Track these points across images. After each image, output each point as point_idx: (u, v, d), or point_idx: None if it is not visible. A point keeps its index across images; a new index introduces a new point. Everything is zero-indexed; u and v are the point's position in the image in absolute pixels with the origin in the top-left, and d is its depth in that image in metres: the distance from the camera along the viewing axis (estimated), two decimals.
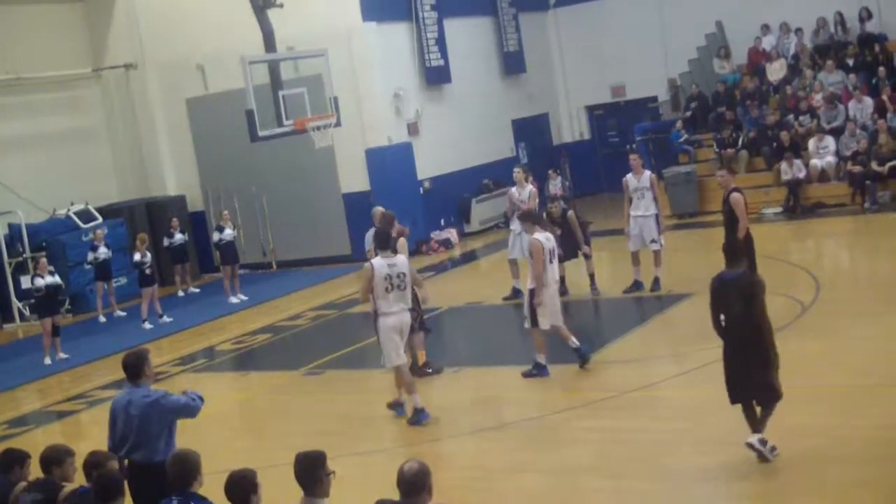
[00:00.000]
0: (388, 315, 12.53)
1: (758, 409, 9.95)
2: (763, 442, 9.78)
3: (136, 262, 21.73)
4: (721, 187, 15.54)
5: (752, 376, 9.81)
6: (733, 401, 9.99)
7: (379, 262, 12.51)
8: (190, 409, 8.70)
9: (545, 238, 13.93)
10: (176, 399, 8.70)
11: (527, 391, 13.71)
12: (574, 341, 13.96)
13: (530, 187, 18.67)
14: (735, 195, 14.85)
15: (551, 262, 13.86)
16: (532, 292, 13.83)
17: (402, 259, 12.87)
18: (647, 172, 17.93)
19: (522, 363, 14.41)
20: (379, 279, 12.40)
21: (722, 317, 9.91)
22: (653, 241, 17.67)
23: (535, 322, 13.88)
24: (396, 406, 13.29)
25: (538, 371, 13.96)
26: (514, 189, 18.60)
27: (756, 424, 9.85)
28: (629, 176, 17.82)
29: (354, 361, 16.36)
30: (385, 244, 12.93)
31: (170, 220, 24.86)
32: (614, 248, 18.65)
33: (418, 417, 12.78)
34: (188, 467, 7.17)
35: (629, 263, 17.99)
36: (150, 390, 8.80)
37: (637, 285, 17.93)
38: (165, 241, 24.37)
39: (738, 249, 14.27)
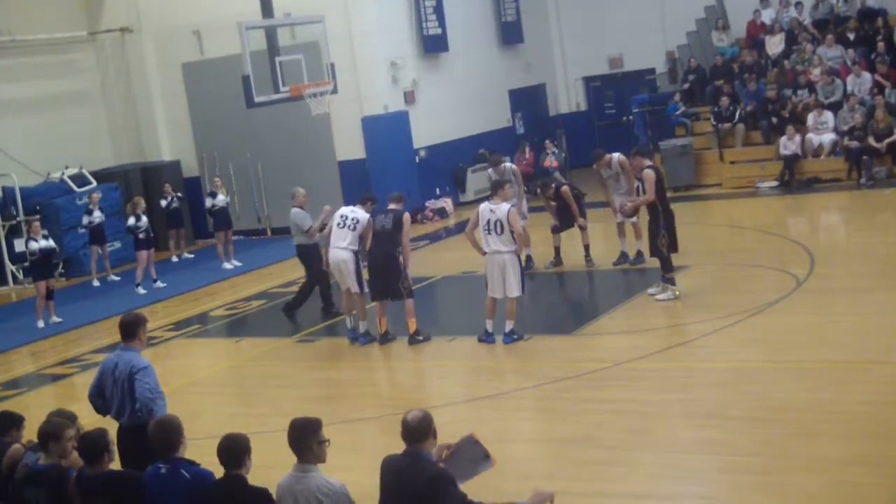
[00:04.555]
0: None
1: None
2: None
3: (129, 226, 21.69)
4: (635, 170, 16.08)
5: None
6: None
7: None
8: (148, 407, 8.52)
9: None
10: (145, 389, 8.57)
11: (521, 361, 13.74)
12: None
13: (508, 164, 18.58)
14: (646, 171, 15.22)
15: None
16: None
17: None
18: (615, 157, 17.88)
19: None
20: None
21: None
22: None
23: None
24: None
25: (518, 335, 14.31)
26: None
27: None
28: (601, 169, 18.07)
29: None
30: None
31: (163, 184, 24.82)
32: (609, 219, 18.63)
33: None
34: (170, 433, 7.16)
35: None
36: (137, 358, 8.78)
37: (623, 257, 18.03)
38: (163, 203, 24.29)
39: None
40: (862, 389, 10.88)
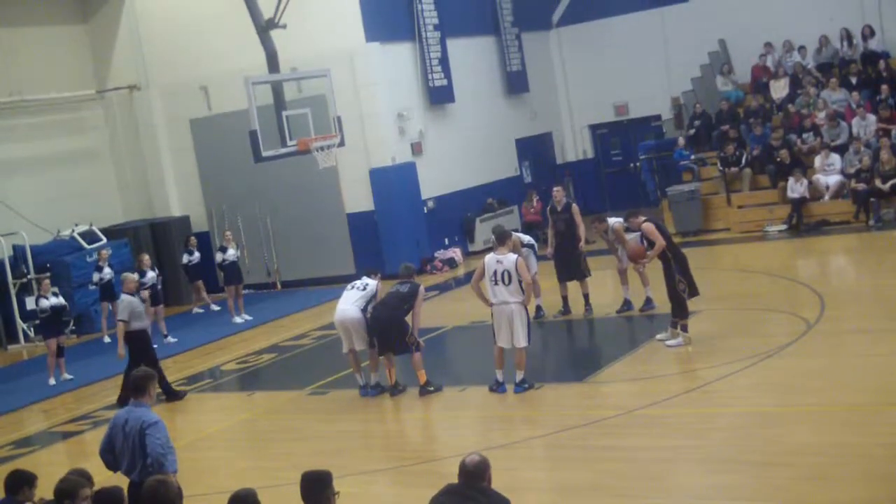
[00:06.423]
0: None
1: None
2: None
3: None
4: (635, 229, 16.03)
5: None
6: None
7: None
8: (160, 462, 8.61)
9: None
10: (156, 444, 8.66)
11: (532, 410, 13.69)
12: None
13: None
14: (644, 225, 15.35)
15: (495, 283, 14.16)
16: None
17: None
18: (611, 225, 17.85)
19: None
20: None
21: None
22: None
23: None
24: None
25: (529, 384, 14.25)
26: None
27: None
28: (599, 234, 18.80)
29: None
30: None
31: (186, 238, 25.06)
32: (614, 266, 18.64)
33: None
34: (164, 496, 7.09)
35: (635, 283, 18.03)
36: (147, 413, 8.82)
37: (627, 304, 18.00)
38: (185, 258, 24.41)
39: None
40: (876, 432, 10.83)
